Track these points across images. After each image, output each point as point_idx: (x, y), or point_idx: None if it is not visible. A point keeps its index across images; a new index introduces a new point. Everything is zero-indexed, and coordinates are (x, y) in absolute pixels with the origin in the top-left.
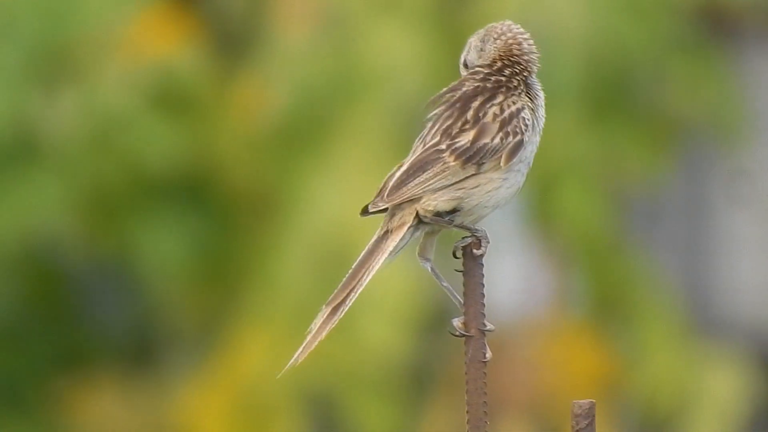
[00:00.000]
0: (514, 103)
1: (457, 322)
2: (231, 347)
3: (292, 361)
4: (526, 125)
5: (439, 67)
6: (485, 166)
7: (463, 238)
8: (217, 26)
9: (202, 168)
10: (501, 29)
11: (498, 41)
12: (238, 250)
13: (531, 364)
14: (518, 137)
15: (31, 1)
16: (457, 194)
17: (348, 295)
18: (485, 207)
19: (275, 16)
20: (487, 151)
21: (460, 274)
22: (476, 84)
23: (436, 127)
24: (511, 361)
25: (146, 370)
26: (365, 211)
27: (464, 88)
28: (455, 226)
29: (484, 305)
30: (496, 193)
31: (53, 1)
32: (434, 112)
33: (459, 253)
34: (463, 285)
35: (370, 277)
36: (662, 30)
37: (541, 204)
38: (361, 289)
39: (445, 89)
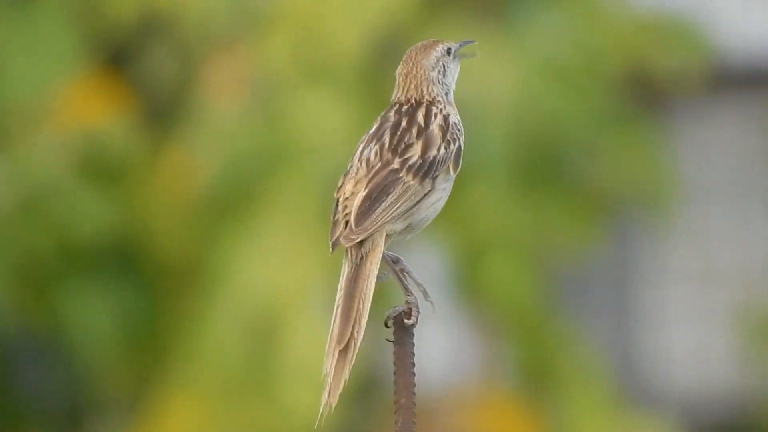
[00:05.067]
0: (441, 111)
1: (392, 312)
2: (160, 414)
3: (323, 407)
4: (460, 130)
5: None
6: (438, 179)
7: (393, 307)
8: (147, 95)
9: (131, 237)
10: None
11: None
12: (167, 318)
13: None
14: (457, 143)
15: None
16: (411, 211)
17: (354, 328)
18: (428, 219)
19: (204, 85)
20: (437, 162)
21: (391, 344)
22: (396, 110)
23: (375, 147)
24: (439, 431)
25: None
26: (335, 246)
27: (390, 114)
28: (403, 272)
29: (414, 374)
30: (438, 204)
31: None
32: (367, 134)
33: (390, 323)
34: (394, 354)
35: (367, 304)
36: (592, 101)
37: (470, 274)
38: (364, 320)
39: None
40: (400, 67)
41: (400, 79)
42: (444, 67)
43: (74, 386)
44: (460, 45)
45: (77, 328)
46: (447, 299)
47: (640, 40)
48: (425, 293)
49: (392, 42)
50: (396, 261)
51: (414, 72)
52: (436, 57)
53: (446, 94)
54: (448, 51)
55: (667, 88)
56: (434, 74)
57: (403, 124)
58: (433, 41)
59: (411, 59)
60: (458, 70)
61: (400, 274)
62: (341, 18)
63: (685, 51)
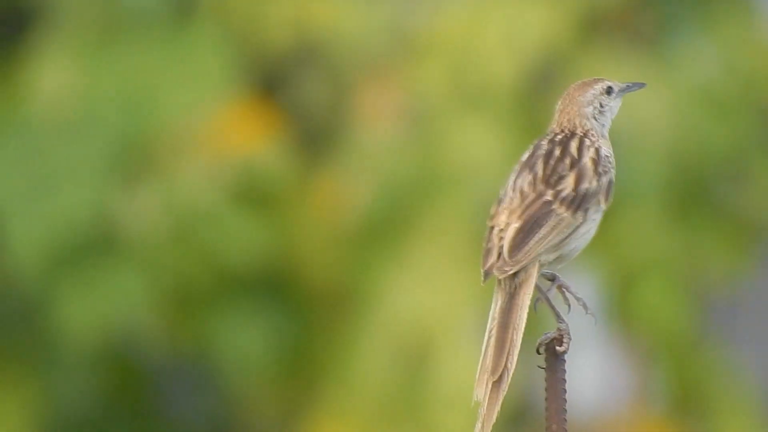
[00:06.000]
0: (593, 143)
1: (544, 339)
2: None
3: None
4: (611, 163)
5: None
6: (590, 211)
7: (545, 334)
8: (300, 121)
9: (282, 263)
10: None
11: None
12: (318, 343)
13: None
14: (608, 176)
15: (113, 96)
16: (563, 243)
17: (507, 359)
18: (578, 249)
19: (358, 111)
20: (589, 195)
21: (542, 370)
22: (550, 139)
23: (528, 177)
24: None
25: None
26: (487, 275)
27: (542, 143)
28: (561, 288)
29: (565, 401)
30: (588, 234)
31: (135, 97)
32: (519, 162)
33: (542, 350)
34: (545, 381)
35: (520, 335)
36: (745, 128)
37: (622, 300)
38: (517, 351)
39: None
40: (558, 101)
41: (557, 113)
42: (600, 104)
43: (224, 411)
44: (628, 86)
45: (228, 354)
46: (599, 325)
47: None
48: (585, 307)
49: (547, 69)
50: (553, 279)
51: (569, 107)
52: (593, 94)
53: (600, 129)
54: (608, 90)
55: None
56: (589, 110)
57: (556, 153)
58: (595, 79)
59: (568, 95)
60: (618, 107)
61: (551, 302)
62: (496, 45)
63: None
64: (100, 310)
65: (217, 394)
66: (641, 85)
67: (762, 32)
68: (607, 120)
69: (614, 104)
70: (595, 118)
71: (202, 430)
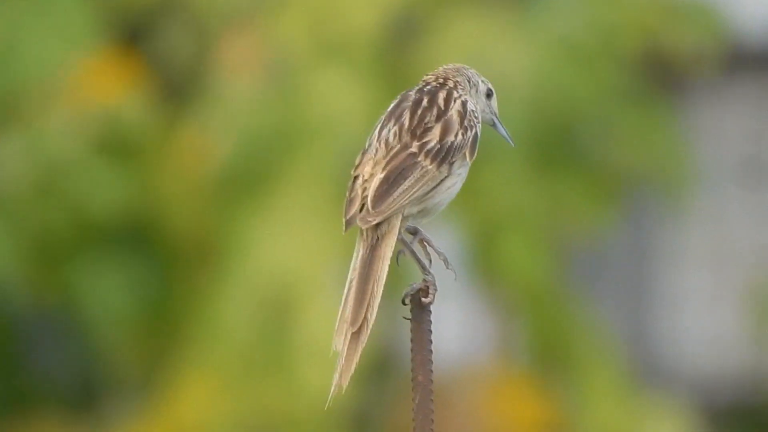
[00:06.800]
0: (460, 96)
1: (409, 290)
2: (173, 392)
3: (333, 388)
4: (477, 117)
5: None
6: (455, 165)
7: (411, 285)
8: (163, 73)
9: (146, 214)
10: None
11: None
12: (181, 296)
13: (474, 412)
14: (474, 130)
15: None
16: (427, 196)
17: (367, 310)
18: (443, 204)
19: (220, 63)
20: (454, 148)
21: (408, 321)
22: (419, 88)
23: (394, 127)
24: (455, 409)
25: (89, 415)
26: (348, 225)
27: (410, 93)
28: (423, 242)
29: (431, 352)
30: (453, 189)
31: None
32: (386, 112)
33: (408, 301)
34: (411, 332)
35: (381, 287)
36: (608, 81)
37: (484, 253)
38: (377, 302)
39: (391, 104)
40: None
41: (438, 67)
42: (479, 83)
43: (87, 364)
44: (500, 125)
45: (91, 306)
46: (461, 278)
47: (656, 20)
48: (446, 262)
49: (409, 21)
50: (414, 232)
51: (452, 64)
52: (478, 74)
53: (469, 89)
54: (489, 91)
55: (683, 68)
56: (469, 73)
57: (424, 103)
58: None
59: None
60: (484, 109)
61: (416, 254)
62: None
63: (700, 31)
64: None
65: (81, 346)
66: (510, 141)
67: None
68: (480, 96)
69: (484, 99)
70: (469, 82)
71: (67, 382)
